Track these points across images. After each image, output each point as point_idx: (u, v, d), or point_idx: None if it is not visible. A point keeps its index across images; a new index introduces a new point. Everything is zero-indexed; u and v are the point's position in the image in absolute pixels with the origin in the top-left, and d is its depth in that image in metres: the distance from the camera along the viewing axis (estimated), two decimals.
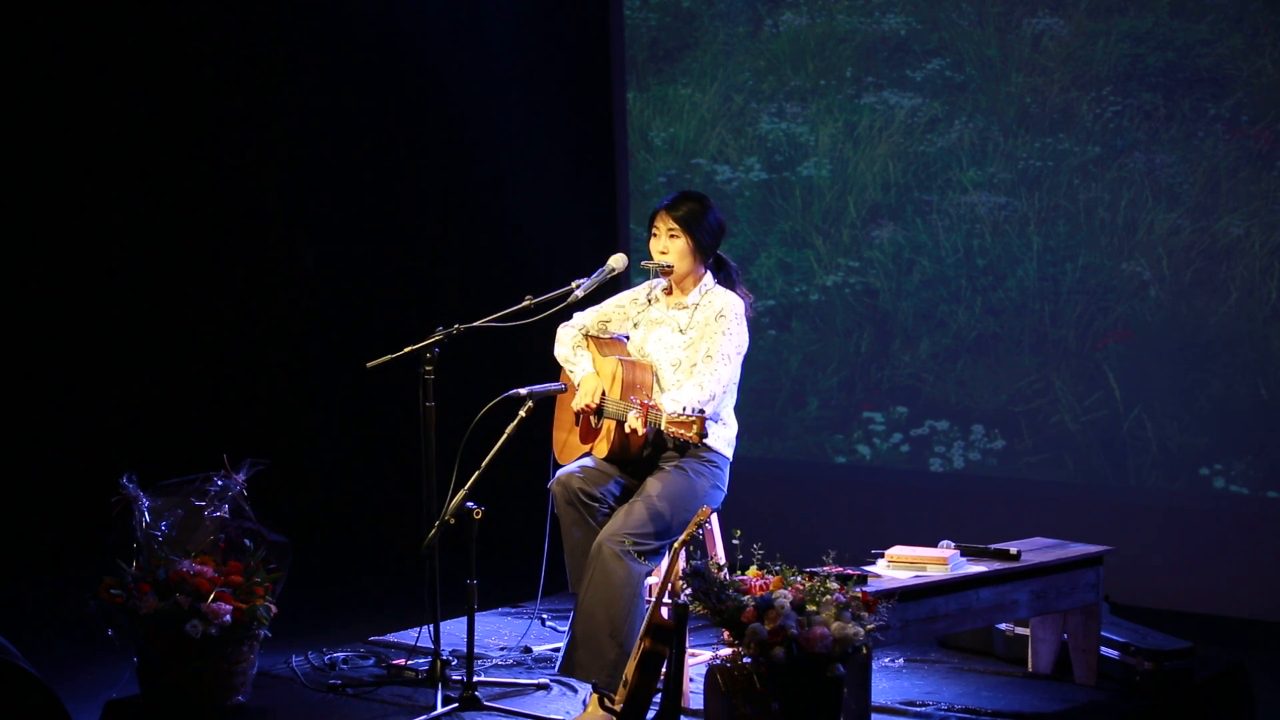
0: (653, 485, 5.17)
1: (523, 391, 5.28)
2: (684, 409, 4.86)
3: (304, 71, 8.14)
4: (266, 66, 8.10)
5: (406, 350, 5.39)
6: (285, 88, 8.13)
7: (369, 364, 5.47)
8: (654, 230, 5.36)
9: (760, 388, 7.76)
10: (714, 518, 5.36)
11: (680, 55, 7.99)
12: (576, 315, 5.50)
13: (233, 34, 8.05)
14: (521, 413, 5.22)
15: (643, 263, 5.41)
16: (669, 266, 5.33)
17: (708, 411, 5.07)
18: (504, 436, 5.17)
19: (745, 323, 5.30)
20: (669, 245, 5.32)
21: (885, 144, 7.49)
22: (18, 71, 7.61)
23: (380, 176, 8.30)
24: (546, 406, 5.45)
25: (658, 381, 5.31)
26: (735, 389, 5.35)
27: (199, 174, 8.08)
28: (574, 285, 5.37)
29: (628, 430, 5.04)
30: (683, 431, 4.83)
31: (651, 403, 5.01)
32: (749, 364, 7.61)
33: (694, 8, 7.93)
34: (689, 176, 7.92)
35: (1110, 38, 6.97)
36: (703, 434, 4.85)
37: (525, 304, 5.36)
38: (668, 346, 5.32)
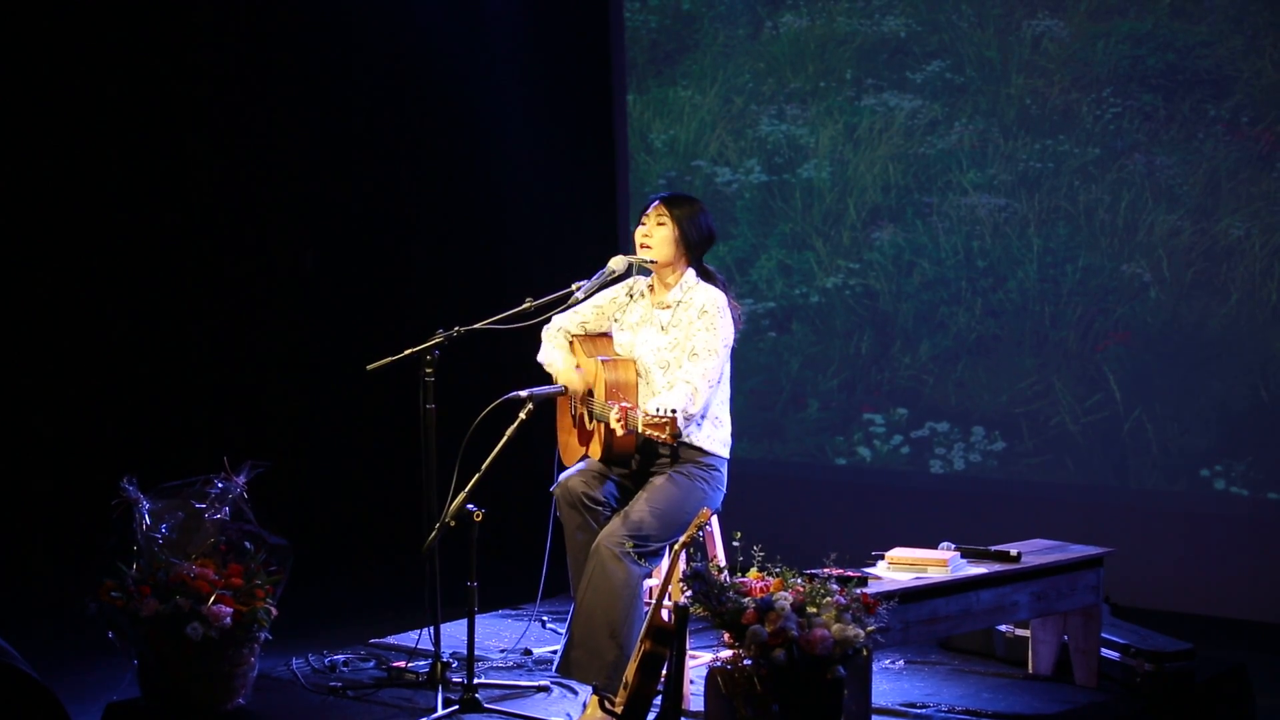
0: (651, 488, 5.18)
1: (523, 394, 5.28)
2: (658, 409, 4.86)
3: (304, 74, 8.14)
4: (266, 69, 8.09)
5: (407, 352, 5.39)
6: (285, 90, 8.12)
7: (369, 366, 5.47)
8: (642, 219, 5.36)
9: (760, 390, 7.76)
10: (714, 519, 5.36)
11: (680, 57, 7.99)
12: (556, 318, 5.50)
13: (232, 35, 8.04)
14: (522, 415, 5.22)
15: (616, 256, 5.37)
16: (650, 261, 5.32)
17: (694, 408, 5.08)
18: (504, 439, 5.17)
19: (729, 316, 5.29)
20: (654, 231, 5.31)
21: (885, 146, 7.49)
22: (17, 72, 7.60)
23: (381, 178, 8.30)
24: (546, 409, 5.45)
25: (645, 381, 5.30)
26: (727, 384, 5.34)
27: (198, 176, 8.08)
28: (574, 287, 5.37)
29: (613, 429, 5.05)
30: (656, 433, 4.83)
31: (629, 404, 5.02)
32: (749, 366, 7.66)
33: (694, 10, 7.93)
34: (689, 179, 7.93)
35: (1110, 39, 6.97)
36: (676, 435, 4.86)
37: (525, 306, 5.37)
38: (654, 349, 5.32)
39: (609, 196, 8.21)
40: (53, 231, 7.75)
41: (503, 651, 5.95)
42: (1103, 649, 5.45)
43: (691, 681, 5.20)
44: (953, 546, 5.30)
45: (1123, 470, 7.01)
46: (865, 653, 4.60)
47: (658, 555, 5.14)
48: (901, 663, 5.79)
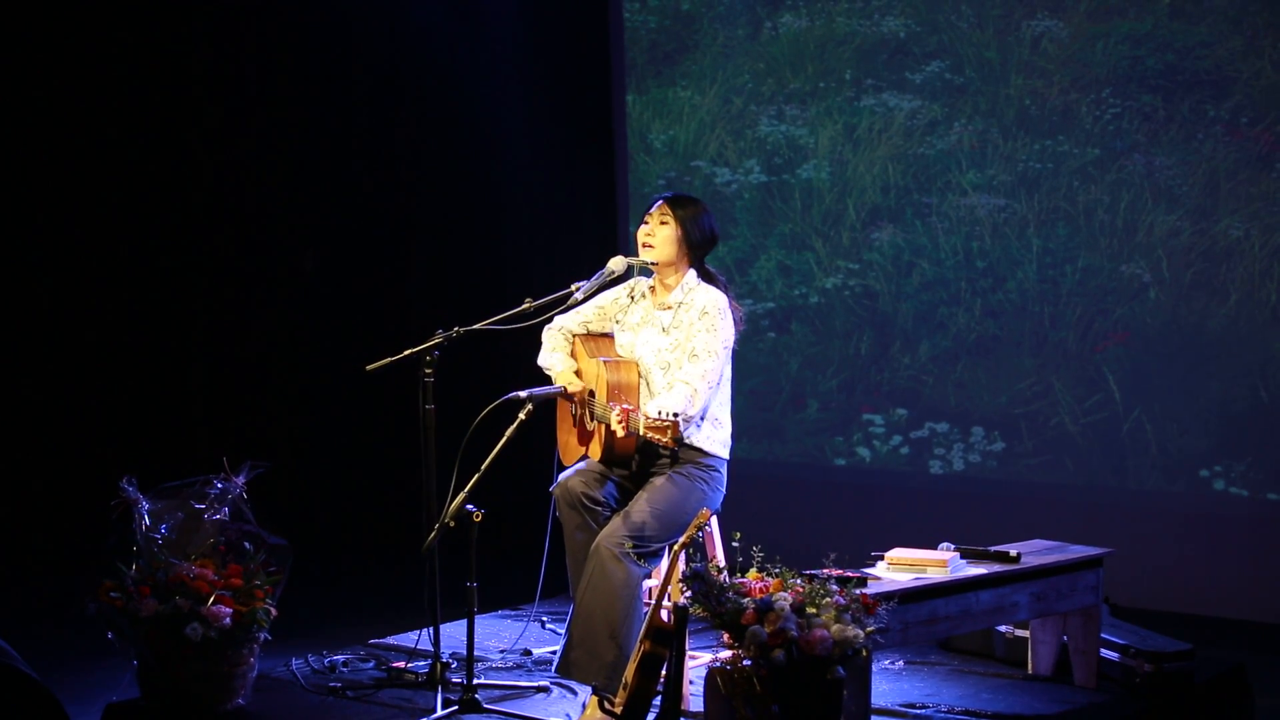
0: (651, 489, 5.18)
1: (522, 394, 5.27)
2: (659, 412, 4.86)
3: (304, 74, 8.14)
4: (266, 69, 8.10)
5: (407, 353, 5.39)
6: (285, 90, 8.12)
7: (369, 367, 5.47)
8: (645, 219, 5.36)
9: (760, 390, 7.76)
10: (714, 520, 5.36)
11: (679, 58, 7.99)
12: (558, 318, 5.49)
13: (232, 35, 8.04)
14: (521, 415, 5.22)
15: (615, 257, 5.37)
16: (650, 263, 5.32)
17: (694, 409, 5.08)
18: (504, 439, 5.17)
19: (730, 317, 5.29)
20: (656, 230, 5.31)
21: (885, 146, 7.49)
22: (17, 72, 7.61)
23: (381, 179, 8.30)
24: (546, 409, 5.45)
25: (646, 382, 5.30)
26: (728, 385, 5.34)
27: (198, 176, 8.08)
28: (573, 288, 5.37)
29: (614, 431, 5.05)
30: (658, 437, 4.83)
31: (631, 407, 5.02)
32: (749, 367, 7.66)
33: (693, 10, 7.94)
34: (688, 179, 7.93)
35: (1109, 40, 6.98)
36: (678, 439, 4.86)
37: (525, 306, 5.37)
38: (655, 349, 5.32)
39: (609, 197, 8.21)
40: (53, 232, 7.76)
41: (502, 652, 5.95)
42: (1102, 649, 5.45)
43: (691, 682, 5.20)
44: (952, 547, 5.29)
45: (1122, 471, 7.01)
46: (865, 653, 4.60)
47: (657, 556, 5.14)
48: (901, 663, 5.79)
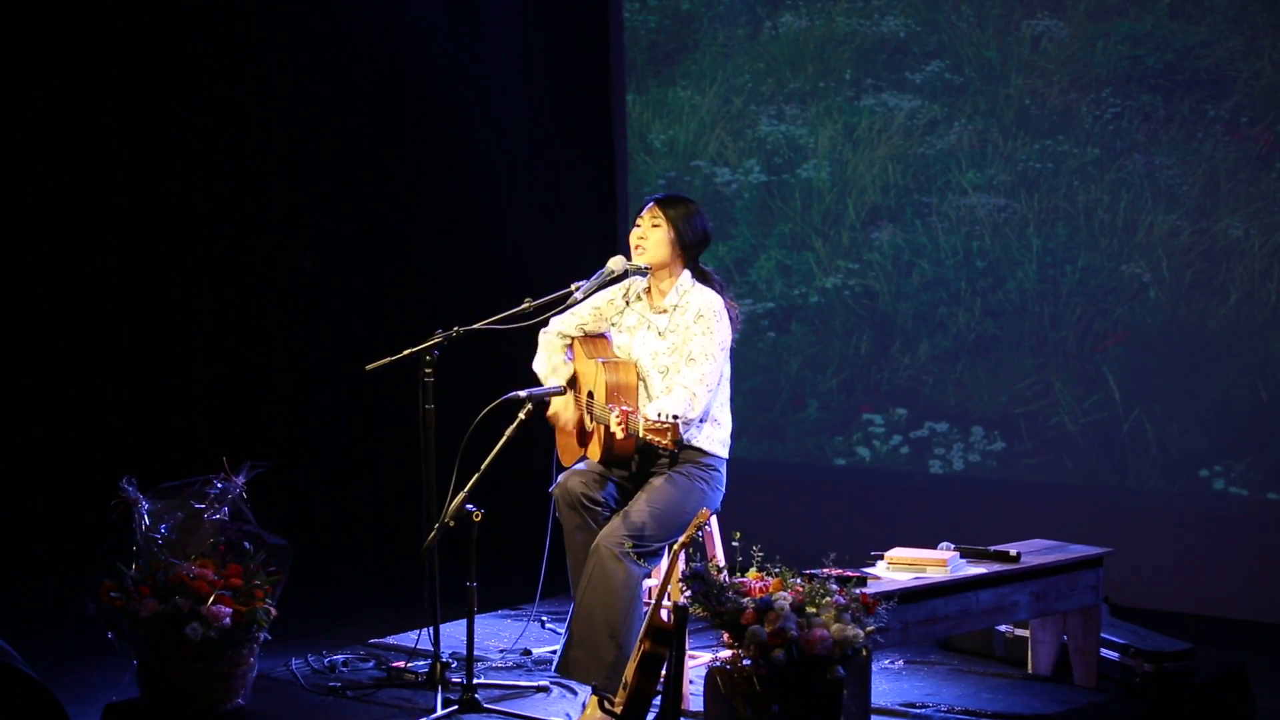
0: (650, 489, 5.18)
1: (522, 394, 5.28)
2: (659, 414, 4.86)
3: (304, 74, 8.14)
4: (266, 69, 8.10)
5: (406, 353, 5.39)
6: (285, 90, 8.12)
7: (369, 366, 5.47)
8: (637, 221, 5.35)
9: (760, 390, 7.76)
10: (713, 520, 5.36)
11: (679, 58, 7.99)
12: (553, 320, 5.49)
13: (232, 35, 8.04)
14: (521, 415, 5.22)
15: (615, 257, 5.36)
16: (645, 267, 5.31)
17: (694, 413, 5.07)
18: (503, 439, 5.17)
19: (726, 318, 5.28)
20: (648, 233, 5.30)
21: (884, 146, 7.49)
22: (16, 72, 7.61)
23: (380, 179, 8.30)
24: (546, 410, 5.45)
25: (644, 383, 5.30)
26: (727, 385, 5.33)
27: (198, 176, 8.08)
28: (573, 287, 5.36)
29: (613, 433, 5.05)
30: (658, 439, 4.83)
31: (630, 408, 5.01)
32: (749, 367, 7.66)
33: (693, 10, 7.94)
34: (688, 179, 7.93)
35: (1109, 39, 6.98)
36: (678, 441, 4.86)
37: (524, 306, 5.36)
38: (652, 353, 5.31)
39: (608, 197, 8.20)
40: (52, 231, 7.75)
41: (502, 651, 5.95)
42: (1102, 649, 5.45)
43: (691, 681, 5.20)
44: (952, 546, 5.29)
45: (1122, 470, 7.01)
46: (864, 653, 4.60)
47: (657, 555, 5.14)
48: (901, 663, 5.79)
